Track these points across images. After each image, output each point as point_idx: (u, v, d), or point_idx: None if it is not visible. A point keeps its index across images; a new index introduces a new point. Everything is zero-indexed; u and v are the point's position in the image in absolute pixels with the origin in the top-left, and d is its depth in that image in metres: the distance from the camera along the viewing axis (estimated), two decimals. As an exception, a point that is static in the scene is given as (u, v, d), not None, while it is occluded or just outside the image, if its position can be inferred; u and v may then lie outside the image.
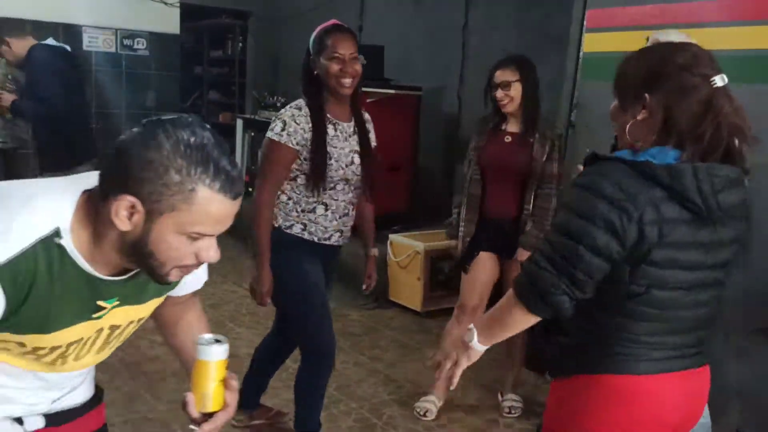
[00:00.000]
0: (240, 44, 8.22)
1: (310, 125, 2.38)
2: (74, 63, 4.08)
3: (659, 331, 1.44)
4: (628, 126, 1.41)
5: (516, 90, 2.90)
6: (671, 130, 1.36)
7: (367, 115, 2.62)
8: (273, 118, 2.47)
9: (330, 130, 2.43)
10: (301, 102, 2.45)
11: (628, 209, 1.32)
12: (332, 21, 2.48)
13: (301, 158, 2.40)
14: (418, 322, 4.43)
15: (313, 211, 2.48)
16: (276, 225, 2.49)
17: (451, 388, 1.61)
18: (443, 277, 4.55)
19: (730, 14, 2.86)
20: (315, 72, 2.41)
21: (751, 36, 2.78)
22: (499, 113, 3.00)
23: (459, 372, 1.55)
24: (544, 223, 2.87)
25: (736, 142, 1.36)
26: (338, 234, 2.56)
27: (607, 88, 1.51)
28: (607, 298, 1.42)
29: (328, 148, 2.41)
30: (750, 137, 1.37)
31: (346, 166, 2.45)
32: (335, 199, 2.48)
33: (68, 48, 4.08)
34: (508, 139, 3.00)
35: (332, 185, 2.45)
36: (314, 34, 2.45)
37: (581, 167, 1.51)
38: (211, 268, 1.37)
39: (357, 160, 2.48)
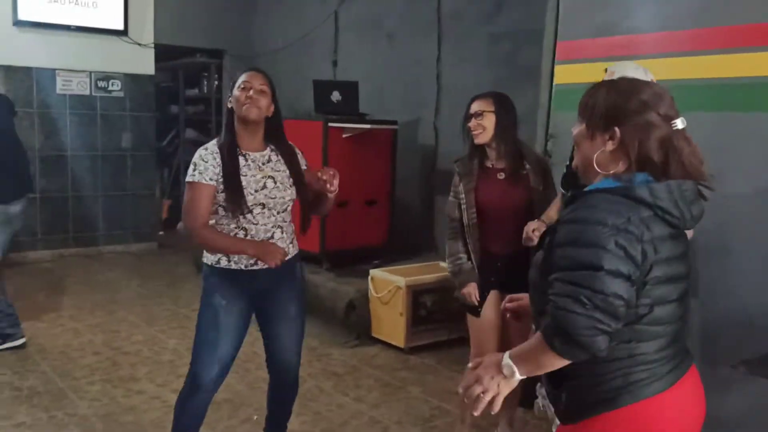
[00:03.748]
0: (216, 82, 8.24)
1: (218, 160, 2.50)
2: (11, 108, 4.31)
3: (664, 346, 1.47)
4: (596, 155, 1.48)
5: (489, 120, 2.84)
6: (642, 160, 1.43)
7: (291, 145, 2.69)
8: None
9: (241, 160, 2.53)
10: (209, 143, 2.57)
11: (630, 230, 1.36)
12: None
13: (218, 191, 2.50)
14: (402, 359, 4.37)
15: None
16: (206, 262, 2.60)
17: (493, 412, 1.52)
18: (425, 311, 4.50)
19: (693, 44, 2.90)
20: (230, 106, 2.55)
21: (716, 65, 2.82)
22: (476, 149, 2.93)
23: (500, 400, 1.49)
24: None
25: None
26: None
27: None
28: None
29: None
30: (707, 177, 1.46)
31: (255, 191, 2.52)
32: (254, 224, 2.53)
33: (5, 94, 4.48)
34: (501, 176, 2.92)
35: (248, 210, 2.52)
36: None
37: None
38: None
39: (270, 184, 2.54)
